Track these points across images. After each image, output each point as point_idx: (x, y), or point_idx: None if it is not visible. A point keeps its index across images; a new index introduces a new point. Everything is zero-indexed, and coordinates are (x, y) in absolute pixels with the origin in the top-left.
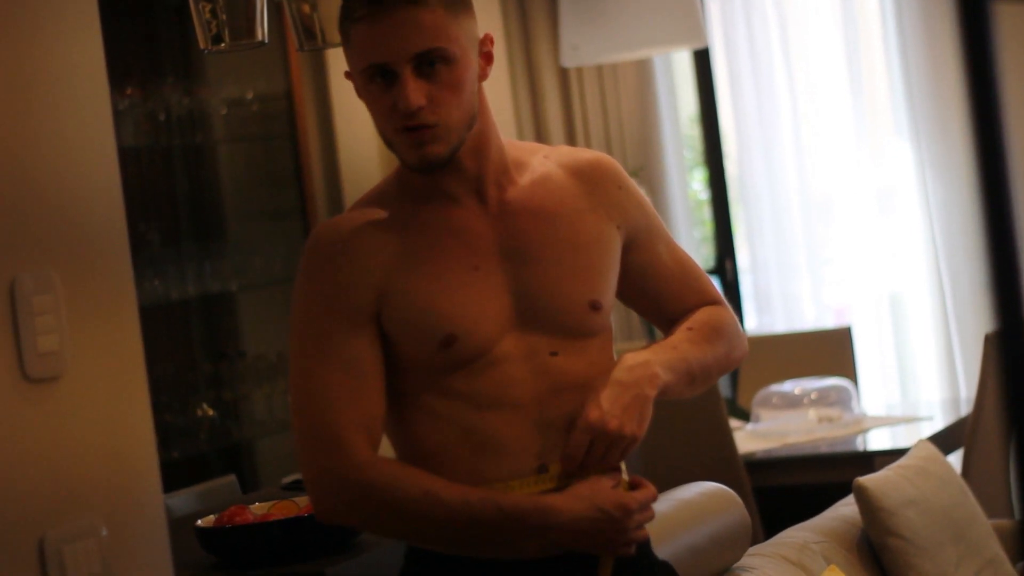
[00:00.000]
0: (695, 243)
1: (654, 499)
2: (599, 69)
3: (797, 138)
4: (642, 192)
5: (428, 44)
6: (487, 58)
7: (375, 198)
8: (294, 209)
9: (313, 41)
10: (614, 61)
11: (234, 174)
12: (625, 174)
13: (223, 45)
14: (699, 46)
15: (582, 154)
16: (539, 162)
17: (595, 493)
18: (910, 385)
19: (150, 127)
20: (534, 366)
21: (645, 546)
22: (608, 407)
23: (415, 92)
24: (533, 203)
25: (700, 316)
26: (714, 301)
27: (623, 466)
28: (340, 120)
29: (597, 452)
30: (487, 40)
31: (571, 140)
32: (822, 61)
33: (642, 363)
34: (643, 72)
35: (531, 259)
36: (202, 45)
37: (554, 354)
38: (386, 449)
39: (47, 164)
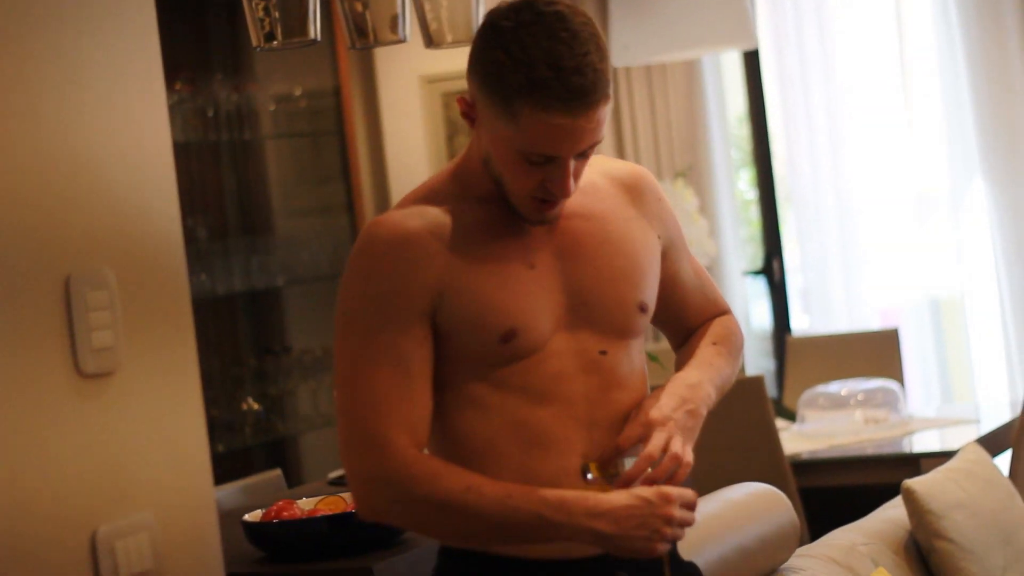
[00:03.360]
0: (741, 243)
1: (693, 502)
2: (648, 69)
3: (846, 138)
4: None
5: (597, 139)
6: None
7: (430, 195)
8: (341, 205)
9: (365, 39)
10: (663, 61)
11: (281, 170)
12: (659, 187)
13: (275, 43)
14: (749, 47)
15: (622, 165)
16: (583, 171)
17: (636, 488)
18: (956, 387)
19: (199, 123)
20: (584, 363)
21: (672, 547)
22: (668, 411)
23: (572, 181)
24: (584, 207)
25: (720, 331)
26: (725, 310)
27: None
28: (387, 117)
29: (665, 468)
30: None
31: (619, 139)
32: (870, 61)
33: (699, 383)
34: (692, 72)
35: (584, 259)
36: (255, 43)
37: (603, 353)
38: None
39: (102, 161)
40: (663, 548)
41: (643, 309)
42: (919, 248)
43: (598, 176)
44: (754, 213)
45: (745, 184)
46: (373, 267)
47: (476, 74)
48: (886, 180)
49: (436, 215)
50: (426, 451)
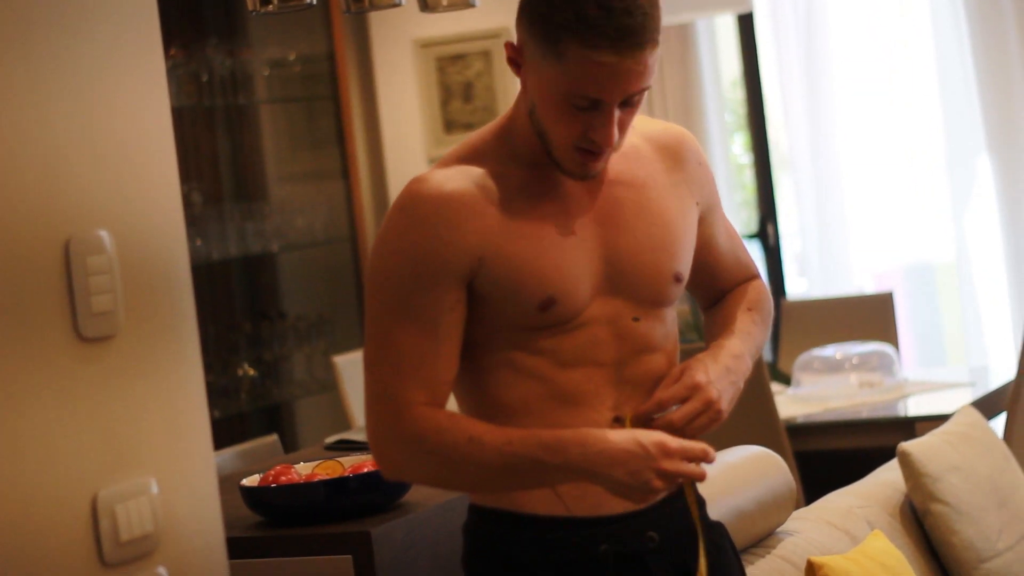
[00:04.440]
0: (736, 207)
1: (704, 456)
2: None
3: (840, 103)
4: None
5: (645, 85)
6: None
7: (474, 153)
8: (335, 170)
9: (360, 3)
10: None
11: (276, 135)
12: (701, 150)
13: (271, 7)
14: (743, 10)
15: (662, 127)
16: (626, 134)
17: (644, 431)
18: (951, 351)
19: (193, 88)
20: (617, 329)
21: (702, 508)
22: (713, 378)
23: (616, 128)
24: (625, 174)
25: (754, 296)
26: (756, 274)
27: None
28: (382, 81)
29: (689, 410)
30: None
31: None
32: (866, 24)
33: (742, 355)
34: (686, 36)
35: (623, 227)
36: (250, 7)
37: (636, 319)
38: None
39: (101, 125)
40: (651, 498)
41: (678, 279)
42: (914, 212)
43: (638, 139)
44: (748, 177)
45: (739, 148)
46: (412, 226)
47: (525, 13)
48: (881, 144)
49: (479, 177)
50: (457, 409)
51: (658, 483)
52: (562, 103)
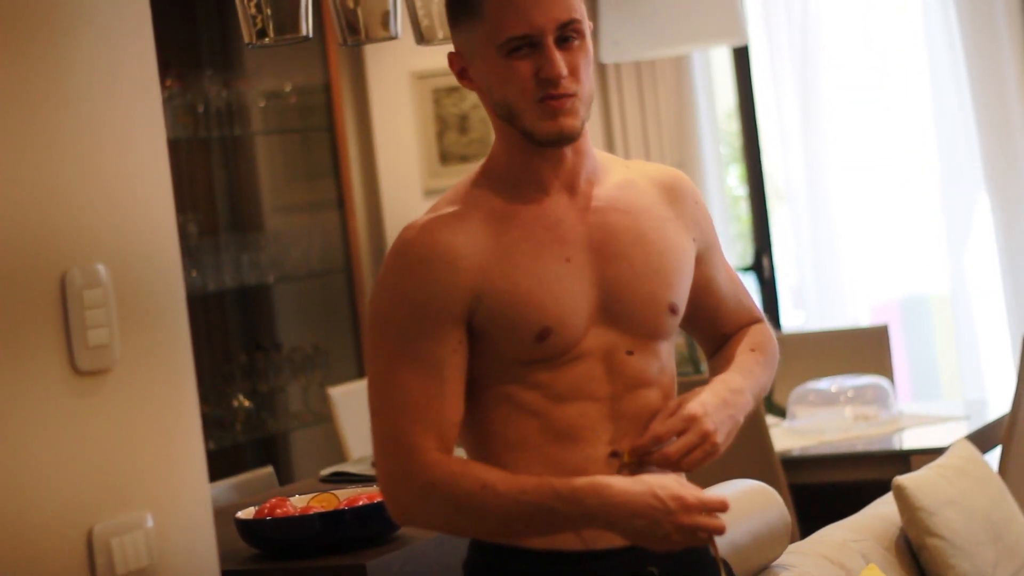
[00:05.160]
0: (731, 239)
1: (721, 507)
2: (637, 65)
3: (836, 135)
4: None
5: (571, 14)
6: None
7: (462, 196)
8: (331, 201)
9: (356, 36)
10: (653, 57)
11: (272, 166)
12: (698, 191)
13: (267, 39)
14: (739, 43)
15: (660, 167)
16: (619, 169)
17: (657, 481)
18: (946, 384)
19: (189, 119)
20: (611, 363)
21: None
22: (710, 411)
23: (561, 61)
24: (620, 202)
25: (758, 338)
26: (759, 318)
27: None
28: (378, 113)
29: (684, 444)
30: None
31: (609, 135)
32: (861, 58)
33: (741, 390)
34: (681, 68)
35: (618, 255)
36: (247, 39)
37: (630, 353)
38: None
39: (97, 158)
40: (673, 548)
41: (673, 311)
42: (909, 244)
43: (636, 176)
44: (744, 209)
45: (735, 180)
46: (408, 271)
47: (448, 13)
48: (876, 177)
49: (470, 215)
50: (459, 448)
51: (677, 537)
52: (502, 60)
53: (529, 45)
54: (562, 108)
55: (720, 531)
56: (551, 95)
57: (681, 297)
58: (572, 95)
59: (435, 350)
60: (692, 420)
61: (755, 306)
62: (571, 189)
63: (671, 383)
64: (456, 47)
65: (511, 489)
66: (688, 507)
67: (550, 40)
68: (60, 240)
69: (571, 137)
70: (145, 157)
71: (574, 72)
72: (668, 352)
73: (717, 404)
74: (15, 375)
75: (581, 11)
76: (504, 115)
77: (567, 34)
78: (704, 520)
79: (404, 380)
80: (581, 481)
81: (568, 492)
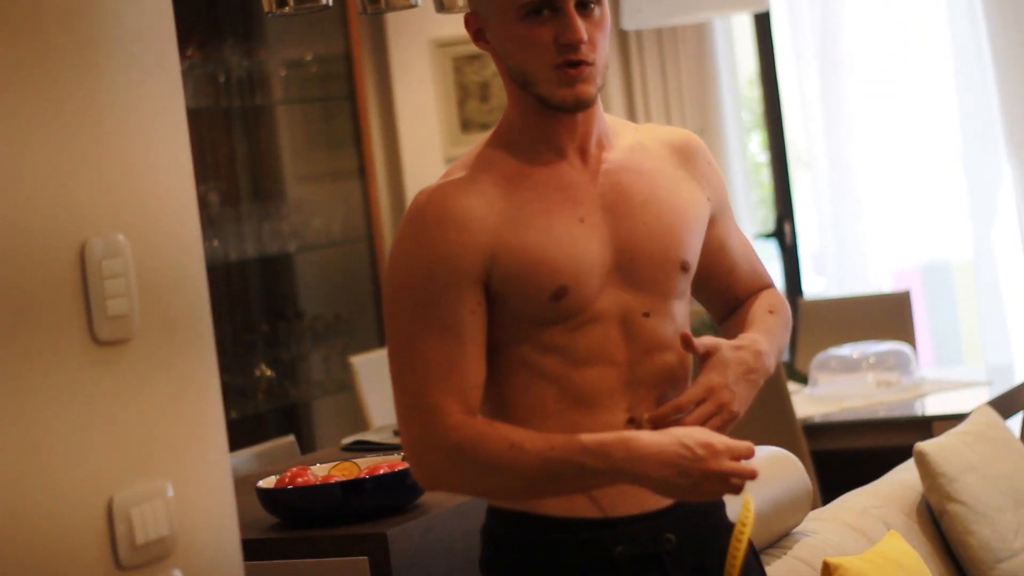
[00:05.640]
0: (753, 206)
1: (749, 453)
2: (659, 32)
3: (857, 100)
4: None
5: None
6: None
7: (477, 159)
8: (352, 170)
9: (376, 4)
10: (674, 24)
11: (293, 135)
12: (709, 152)
13: (287, 8)
14: (760, 9)
15: (672, 129)
16: (631, 132)
17: (683, 431)
18: (968, 350)
19: (210, 89)
20: (628, 326)
21: (720, 509)
22: (730, 379)
23: (582, 26)
24: (631, 163)
25: (775, 300)
26: (771, 284)
27: None
28: (398, 81)
29: (702, 413)
30: None
31: (630, 103)
32: (883, 22)
33: (763, 353)
34: (703, 35)
35: (631, 214)
36: (266, 8)
37: (646, 315)
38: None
39: (116, 128)
40: (703, 497)
41: (684, 268)
42: (931, 210)
43: (648, 139)
44: (765, 176)
45: (756, 147)
46: (423, 237)
47: None
48: (898, 142)
49: (483, 180)
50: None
51: (708, 486)
52: (520, 23)
53: (550, 9)
54: (580, 75)
55: (752, 476)
56: (569, 61)
57: (693, 254)
58: (590, 63)
59: (453, 312)
60: (711, 391)
61: (766, 272)
62: (583, 152)
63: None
64: (472, 8)
65: (539, 447)
66: (717, 453)
67: (571, 5)
68: (79, 210)
69: (586, 104)
70: (165, 127)
71: (592, 40)
72: (683, 314)
73: (740, 372)
74: (35, 346)
75: None
76: (519, 80)
77: (587, 0)
78: (733, 465)
79: (424, 344)
80: (609, 436)
81: (596, 446)
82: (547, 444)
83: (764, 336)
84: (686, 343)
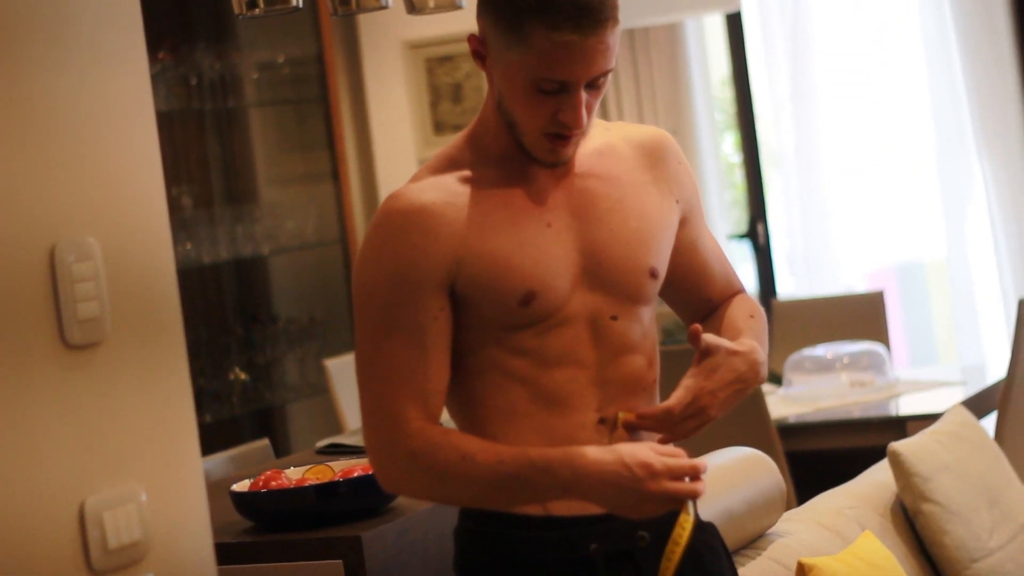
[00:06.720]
0: (726, 206)
1: (694, 472)
2: (631, 32)
3: (829, 101)
4: None
5: (609, 66)
6: None
7: (446, 163)
8: (325, 172)
9: (347, 5)
10: (646, 24)
11: (266, 138)
12: (681, 151)
13: (257, 10)
14: (731, 10)
15: (643, 129)
16: (600, 133)
17: (628, 449)
18: (942, 350)
19: (182, 91)
20: (597, 328)
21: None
22: (717, 386)
23: (584, 111)
24: (599, 168)
25: (752, 306)
26: (742, 289)
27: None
28: (371, 83)
29: (681, 412)
30: None
31: (603, 103)
32: (854, 22)
33: (760, 364)
34: (675, 35)
35: (598, 220)
36: (237, 10)
37: (614, 318)
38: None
39: (84, 131)
40: (647, 515)
41: (653, 275)
42: (904, 210)
43: (618, 140)
44: (738, 176)
45: (729, 147)
46: (389, 241)
47: (486, 2)
48: (871, 142)
49: (451, 184)
50: (446, 417)
51: (649, 505)
52: (529, 88)
53: (560, 87)
54: (566, 145)
55: (693, 495)
56: (561, 135)
57: (661, 261)
58: (580, 131)
59: (416, 318)
60: (697, 401)
61: (737, 278)
62: None
63: (653, 349)
64: (481, 36)
65: (489, 459)
66: (655, 474)
67: (581, 89)
68: (49, 213)
69: (564, 163)
70: (134, 129)
71: (588, 110)
72: (650, 318)
73: (728, 379)
74: (4, 349)
75: (615, 51)
76: (506, 117)
77: (597, 81)
78: (671, 486)
79: (387, 349)
80: (556, 452)
81: (542, 462)
82: (497, 457)
83: (761, 346)
84: (693, 336)
